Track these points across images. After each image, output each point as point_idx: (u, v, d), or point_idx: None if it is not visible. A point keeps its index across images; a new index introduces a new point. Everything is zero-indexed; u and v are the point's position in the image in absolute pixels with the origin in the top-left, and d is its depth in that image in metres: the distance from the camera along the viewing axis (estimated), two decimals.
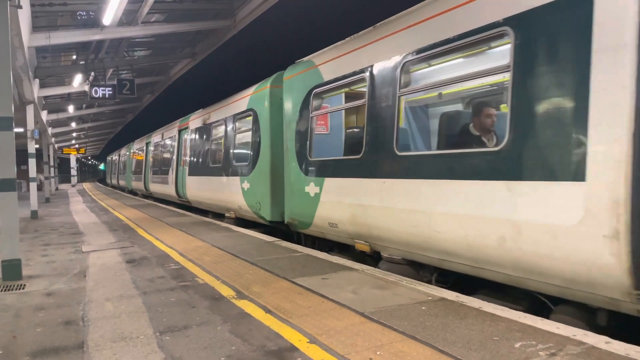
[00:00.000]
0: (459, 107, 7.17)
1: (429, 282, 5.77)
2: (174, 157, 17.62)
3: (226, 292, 5.13)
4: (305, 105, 8.20)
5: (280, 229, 9.83)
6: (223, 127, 12.49)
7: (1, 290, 5.51)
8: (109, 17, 11.28)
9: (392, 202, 6.00)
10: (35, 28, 12.12)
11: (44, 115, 22.51)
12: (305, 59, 8.57)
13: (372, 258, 6.86)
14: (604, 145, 3.72)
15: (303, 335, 3.72)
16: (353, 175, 6.84)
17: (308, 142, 8.06)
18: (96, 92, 14.81)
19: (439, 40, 5.35)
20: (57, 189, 38.48)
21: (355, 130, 7.61)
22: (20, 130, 17.59)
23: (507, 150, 4.50)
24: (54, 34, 12.05)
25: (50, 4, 11.08)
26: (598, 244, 3.75)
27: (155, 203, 19.73)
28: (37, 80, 15.94)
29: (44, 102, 21.07)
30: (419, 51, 5.66)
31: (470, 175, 4.88)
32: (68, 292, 5.32)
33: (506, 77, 4.71)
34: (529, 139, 4.31)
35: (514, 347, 3.34)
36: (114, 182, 40.77)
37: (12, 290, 5.53)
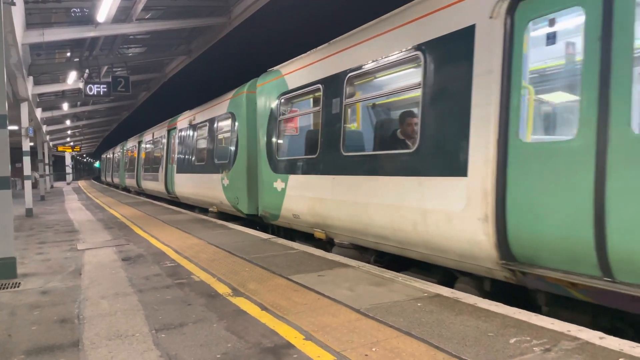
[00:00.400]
0: (390, 115, 8.32)
1: (369, 262, 6.67)
2: (164, 156, 18.52)
3: (222, 289, 5.13)
4: (274, 109, 9.23)
5: (258, 222, 10.70)
6: (206, 127, 13.42)
7: None
8: (103, 13, 11.24)
9: (339, 196, 7.06)
10: (29, 25, 12.05)
11: (39, 112, 22.41)
12: (274, 68, 9.55)
13: (330, 244, 7.75)
14: (479, 149, 4.73)
15: (299, 332, 3.73)
16: (311, 173, 7.87)
17: (276, 143, 9.13)
18: (91, 89, 14.74)
19: (372, 60, 6.49)
20: (52, 186, 38.36)
21: (313, 133, 8.39)
22: (15, 128, 17.49)
23: (418, 152, 5.59)
24: (48, 31, 12.00)
25: (44, 0, 11.03)
26: (475, 225, 4.76)
27: (150, 201, 19.68)
28: (31, 78, 15.87)
29: (38, 100, 20.98)
30: (358, 67, 6.77)
31: (395, 172, 5.96)
32: (63, 290, 5.31)
33: (418, 92, 5.67)
34: (431, 144, 5.40)
35: (508, 343, 3.36)
36: (109, 179, 41.70)
37: (7, 288, 5.51)
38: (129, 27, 13.25)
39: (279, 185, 8.82)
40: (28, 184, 15.35)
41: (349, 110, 7.42)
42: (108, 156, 43.51)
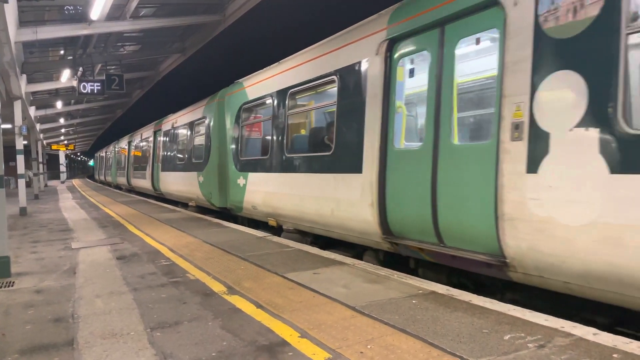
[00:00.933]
0: (319, 124, 9.76)
1: (308, 244, 8.05)
2: (151, 155, 20.10)
3: (217, 287, 5.13)
4: (237, 117, 10.85)
5: (229, 214, 12.12)
6: (186, 130, 14.99)
7: None
8: (96, 11, 11.16)
9: (285, 190, 8.54)
10: (22, 23, 11.97)
11: (32, 111, 22.26)
12: (239, 80, 11.20)
13: (280, 230, 9.13)
14: (369, 152, 6.28)
15: (294, 330, 3.73)
16: (264, 171, 9.36)
17: (239, 146, 10.74)
18: (85, 87, 14.64)
19: (304, 80, 8.05)
20: (46, 185, 38.18)
21: (266, 137, 9.92)
22: (8, 126, 17.40)
23: (333, 155, 7.14)
24: (41, 29, 11.91)
25: None
26: (367, 209, 6.31)
27: (144, 199, 19.64)
28: (24, 76, 15.76)
29: (31, 98, 20.85)
30: (297, 85, 8.31)
31: (320, 170, 7.45)
32: (58, 289, 5.30)
33: (334, 107, 7.21)
34: (341, 148, 6.95)
35: (503, 339, 3.38)
36: (102, 178, 43.47)
37: (0, 287, 5.48)
38: (122, 25, 13.17)
39: (241, 181, 10.40)
40: (22, 182, 15.25)
41: (291, 119, 8.88)
42: (101, 155, 45.33)
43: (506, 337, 3.42)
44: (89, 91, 14.73)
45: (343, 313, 4.10)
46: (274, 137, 8.96)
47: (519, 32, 4.47)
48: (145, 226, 10.47)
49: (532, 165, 4.26)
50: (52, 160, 55.78)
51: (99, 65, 17.04)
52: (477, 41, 5.48)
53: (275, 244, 7.70)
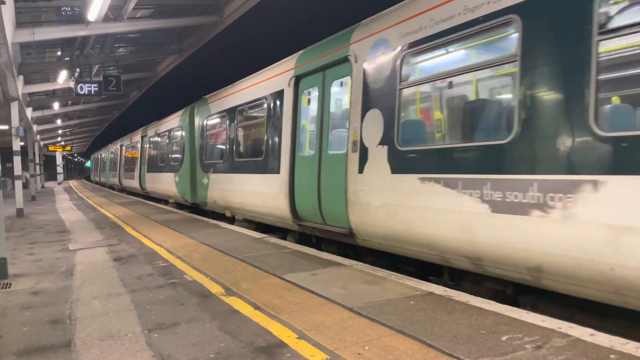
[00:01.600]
0: (258, 136, 11.28)
1: (252, 229, 10.13)
2: (139, 158, 22.45)
3: (215, 289, 5.12)
4: (203, 127, 13.14)
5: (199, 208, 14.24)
6: (166, 136, 17.12)
7: None
8: (94, 12, 11.16)
9: (234, 187, 10.62)
10: (19, 24, 11.95)
11: (29, 112, 22.22)
12: (205, 97, 13.59)
13: (234, 219, 11.41)
14: (284, 158, 8.32)
15: (292, 331, 3.73)
16: (221, 172, 11.57)
17: (204, 151, 12.90)
18: (82, 88, 14.64)
19: (247, 101, 10.33)
20: (43, 186, 38.07)
21: (222, 145, 11.93)
22: (5, 127, 17.35)
23: (264, 160, 9.16)
24: (38, 30, 11.90)
25: None
26: (283, 200, 8.27)
27: (142, 200, 19.63)
28: (21, 77, 15.74)
29: (28, 99, 20.81)
30: (242, 104, 10.57)
31: (256, 172, 9.48)
32: (55, 291, 5.28)
33: (265, 122, 9.26)
34: (268, 155, 8.99)
35: (500, 340, 3.39)
36: (97, 178, 46.53)
37: None
38: (120, 26, 13.17)
39: (205, 180, 12.60)
40: (19, 184, 15.22)
41: (238, 131, 10.98)
42: (96, 157, 49.01)
43: (504, 338, 3.42)
44: (86, 92, 14.72)
45: (341, 314, 4.10)
46: (227, 145, 11.27)
47: (357, 81, 6.60)
48: (143, 227, 10.45)
49: (361, 168, 6.39)
50: (49, 162, 55.65)
51: (96, 67, 17.03)
52: (341, 84, 7.38)
53: (273, 245, 7.70)
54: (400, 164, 5.70)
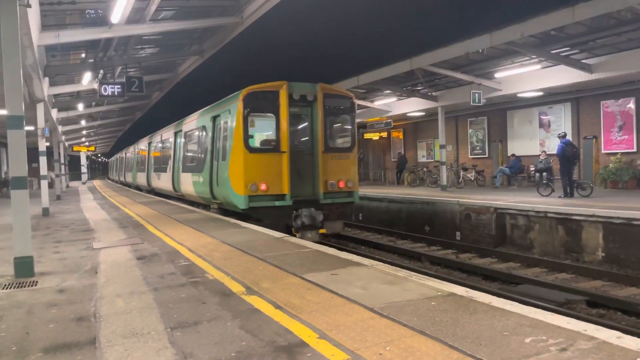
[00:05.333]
0: (202, 147, 15.30)
1: (199, 207, 15.76)
2: (147, 159, 25.71)
3: (236, 288, 5.15)
4: (180, 142, 18.40)
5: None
6: (164, 143, 21.38)
7: (14, 287, 5.58)
8: (117, 15, 11.32)
9: (188, 180, 16.26)
10: (45, 27, 12.18)
11: (54, 113, 22.65)
12: (184, 119, 18.62)
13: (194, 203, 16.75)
14: (208, 163, 14.03)
15: (313, 331, 3.73)
16: (187, 172, 16.48)
17: (182, 157, 17.59)
18: (105, 89, 14.83)
19: (193, 127, 16.32)
20: (67, 186, 38.80)
21: (190, 154, 16.84)
22: (31, 128, 17.66)
23: (201, 164, 14.68)
24: (63, 33, 12.10)
25: (59, 2, 11.11)
26: (207, 188, 14.03)
27: (164, 200, 19.86)
28: (46, 79, 16.04)
29: (53, 100, 21.20)
30: (188, 130, 16.98)
31: (197, 171, 15.13)
32: (80, 289, 5.38)
33: (204, 143, 14.79)
34: (202, 161, 14.60)
35: (524, 342, 3.33)
36: (115, 178, 51.07)
37: (24, 287, 5.59)
38: (142, 28, 13.32)
39: (183, 177, 17.45)
40: (44, 183, 15.55)
41: (193, 145, 16.07)
42: (113, 159, 54.27)
43: (527, 340, 3.37)
44: (110, 93, 14.91)
45: (361, 314, 4.09)
46: (190, 154, 16.41)
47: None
48: (164, 226, 10.58)
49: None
50: (73, 162, 56.70)
51: (119, 68, 17.25)
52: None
53: (293, 244, 7.72)
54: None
